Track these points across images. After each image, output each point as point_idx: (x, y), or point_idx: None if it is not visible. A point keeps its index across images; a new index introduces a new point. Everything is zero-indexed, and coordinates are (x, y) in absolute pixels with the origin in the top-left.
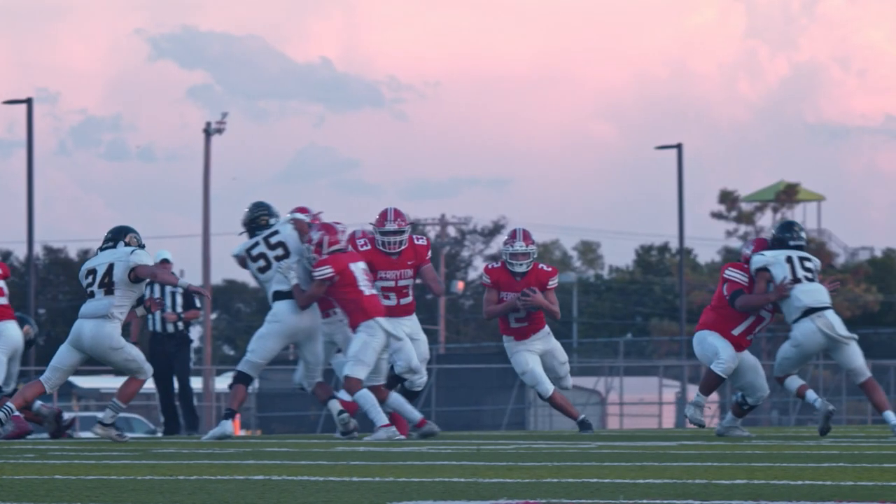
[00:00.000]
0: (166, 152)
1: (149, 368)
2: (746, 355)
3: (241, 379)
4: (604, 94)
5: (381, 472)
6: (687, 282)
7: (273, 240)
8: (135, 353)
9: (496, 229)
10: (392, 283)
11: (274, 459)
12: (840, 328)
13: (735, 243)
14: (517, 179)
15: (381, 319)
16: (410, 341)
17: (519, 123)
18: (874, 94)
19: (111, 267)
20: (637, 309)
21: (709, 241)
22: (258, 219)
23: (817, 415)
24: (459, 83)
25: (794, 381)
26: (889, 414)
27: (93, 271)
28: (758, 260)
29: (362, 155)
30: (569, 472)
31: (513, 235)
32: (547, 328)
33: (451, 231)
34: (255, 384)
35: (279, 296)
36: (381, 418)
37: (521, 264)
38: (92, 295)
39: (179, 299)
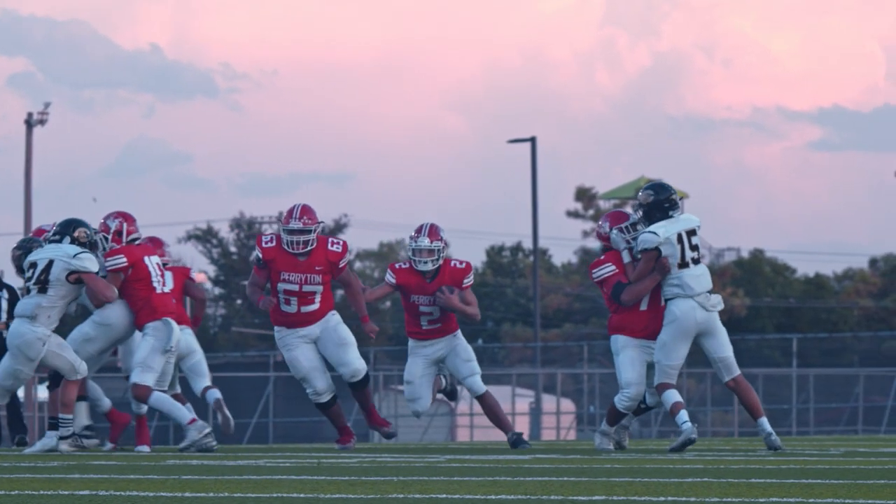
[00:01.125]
0: None
1: (82, 367)
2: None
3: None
4: (453, 85)
5: (216, 487)
6: (541, 284)
7: None
8: (65, 356)
9: (338, 228)
10: (295, 287)
11: (101, 473)
12: (719, 304)
13: (593, 243)
14: (361, 175)
15: (170, 320)
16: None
17: (363, 115)
18: (741, 85)
19: (50, 263)
20: (488, 313)
21: (565, 241)
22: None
23: (679, 436)
24: (299, 72)
25: (672, 396)
26: (764, 421)
27: (34, 265)
28: (649, 239)
29: (195, 148)
30: (416, 487)
31: (418, 230)
32: (458, 330)
33: None
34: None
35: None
36: (185, 416)
37: (425, 262)
38: (28, 291)
39: (5, 305)
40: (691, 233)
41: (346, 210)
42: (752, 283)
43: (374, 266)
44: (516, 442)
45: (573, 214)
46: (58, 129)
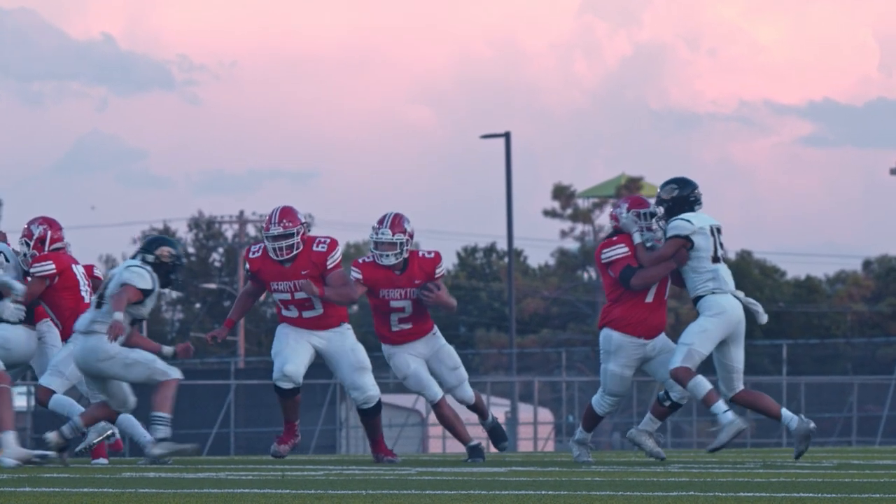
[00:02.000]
0: None
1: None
2: (663, 340)
3: None
4: (421, 77)
5: (174, 500)
6: (517, 287)
7: None
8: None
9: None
10: (287, 296)
11: (53, 486)
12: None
13: (570, 244)
14: (324, 172)
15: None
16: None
17: (327, 109)
18: (726, 77)
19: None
20: (461, 318)
21: (541, 241)
22: None
23: (721, 432)
24: (259, 63)
25: (703, 384)
26: (785, 413)
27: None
28: (682, 226)
29: (150, 144)
30: (385, 501)
31: (380, 221)
32: (435, 328)
33: (251, 230)
34: (31, 401)
35: None
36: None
37: (387, 255)
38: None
39: None
40: (719, 230)
41: (310, 209)
42: (740, 286)
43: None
44: (473, 451)
45: (550, 214)
46: (4, 124)
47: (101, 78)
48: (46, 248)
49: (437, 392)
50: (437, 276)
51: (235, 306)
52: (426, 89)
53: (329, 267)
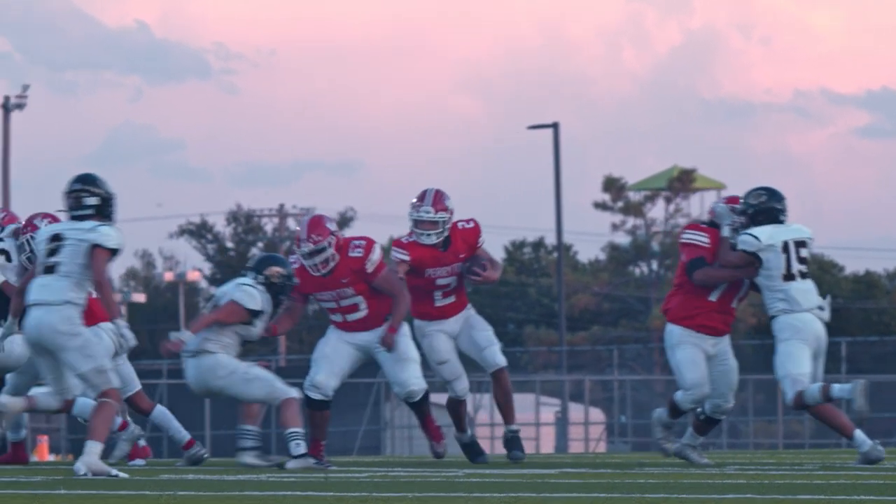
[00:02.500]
0: None
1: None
2: (725, 349)
3: None
4: (467, 66)
5: None
6: (567, 283)
7: None
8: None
9: (344, 222)
10: (333, 304)
11: (88, 489)
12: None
13: (621, 238)
14: (367, 164)
15: (105, 325)
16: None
17: (368, 98)
18: (781, 66)
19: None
20: (509, 314)
21: (591, 235)
22: None
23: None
24: (299, 51)
25: (813, 390)
26: (858, 434)
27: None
28: (748, 241)
29: (187, 134)
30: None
31: (420, 198)
32: (468, 304)
33: (292, 224)
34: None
35: None
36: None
37: (428, 234)
38: None
39: None
40: (800, 244)
41: (351, 202)
42: None
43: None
44: (473, 449)
45: (600, 206)
46: (37, 114)
47: (135, 67)
48: None
49: (465, 388)
50: (479, 246)
51: (281, 321)
52: (471, 78)
53: (370, 271)
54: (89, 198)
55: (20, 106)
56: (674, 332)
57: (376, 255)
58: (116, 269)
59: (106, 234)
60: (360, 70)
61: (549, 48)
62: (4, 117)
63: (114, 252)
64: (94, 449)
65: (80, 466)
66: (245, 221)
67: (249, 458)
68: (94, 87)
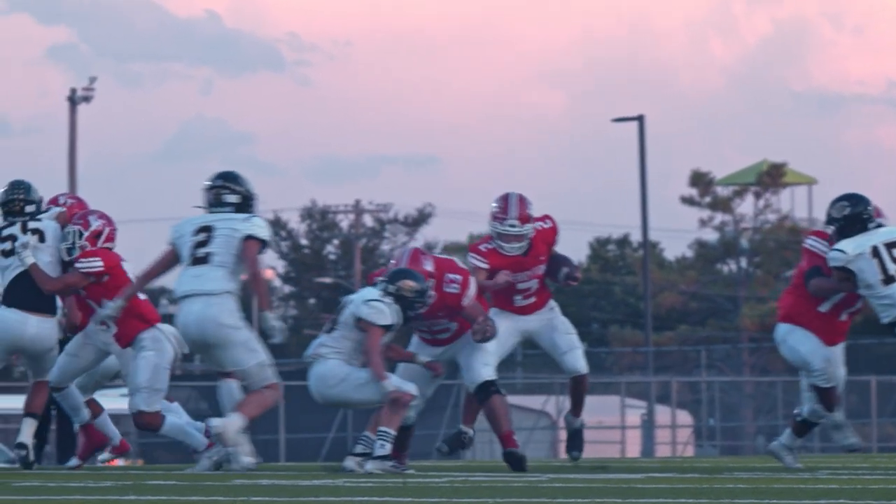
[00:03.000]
0: (24, 124)
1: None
2: (838, 360)
3: None
4: (548, 57)
5: None
6: (653, 281)
7: (31, 225)
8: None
9: (421, 218)
10: (429, 336)
11: (159, 494)
12: None
13: (709, 234)
14: (445, 158)
15: (164, 327)
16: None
17: (445, 91)
18: (873, 57)
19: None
20: (593, 314)
21: (678, 232)
22: (12, 203)
23: None
24: (374, 43)
25: None
26: None
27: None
28: (835, 257)
29: (259, 128)
30: None
31: (503, 209)
32: (551, 301)
33: (368, 220)
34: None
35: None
36: (199, 441)
37: (513, 247)
38: None
39: None
40: (892, 245)
41: (429, 198)
42: None
43: (463, 263)
44: (513, 457)
45: (687, 202)
46: (104, 107)
47: (205, 58)
48: (100, 244)
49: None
50: (556, 244)
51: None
52: (552, 70)
53: (465, 305)
54: (230, 195)
55: (87, 98)
56: (780, 327)
57: (472, 290)
58: None
59: (260, 226)
60: (436, 61)
61: (632, 39)
62: (71, 110)
63: (264, 244)
64: (236, 421)
65: (219, 424)
66: (320, 218)
67: (350, 463)
68: (162, 80)
